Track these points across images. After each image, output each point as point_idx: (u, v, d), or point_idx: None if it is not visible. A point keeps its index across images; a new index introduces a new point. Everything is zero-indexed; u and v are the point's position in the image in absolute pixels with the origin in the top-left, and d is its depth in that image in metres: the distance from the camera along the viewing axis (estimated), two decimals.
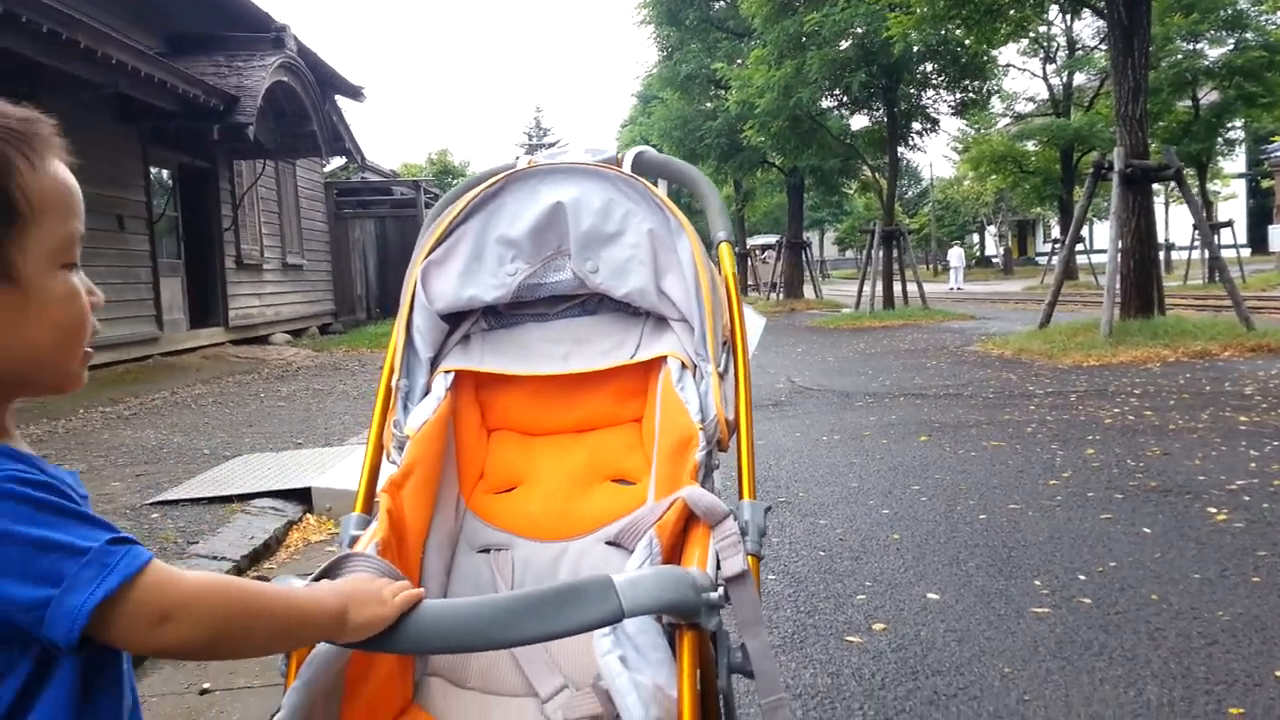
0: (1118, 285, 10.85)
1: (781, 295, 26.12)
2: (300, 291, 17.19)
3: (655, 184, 1.78)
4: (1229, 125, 27.10)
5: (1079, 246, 22.58)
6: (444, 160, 50.51)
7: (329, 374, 11.10)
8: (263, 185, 15.25)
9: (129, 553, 0.82)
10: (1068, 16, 27.74)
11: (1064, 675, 2.60)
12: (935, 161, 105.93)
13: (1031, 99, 35.57)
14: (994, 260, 51.68)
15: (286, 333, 15.75)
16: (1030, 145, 31.35)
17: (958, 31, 14.43)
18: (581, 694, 1.26)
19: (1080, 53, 29.77)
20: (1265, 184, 38.62)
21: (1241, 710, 2.37)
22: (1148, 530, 3.91)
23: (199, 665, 2.92)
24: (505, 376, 1.75)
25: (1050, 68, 31.63)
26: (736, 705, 1.37)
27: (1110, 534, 3.88)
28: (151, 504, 4.59)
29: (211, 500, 4.60)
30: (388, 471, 1.53)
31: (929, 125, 20.17)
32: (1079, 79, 31.41)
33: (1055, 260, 29.99)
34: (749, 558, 1.24)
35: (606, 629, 1.15)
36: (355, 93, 17.10)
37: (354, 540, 1.38)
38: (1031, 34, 24.25)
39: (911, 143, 20.65)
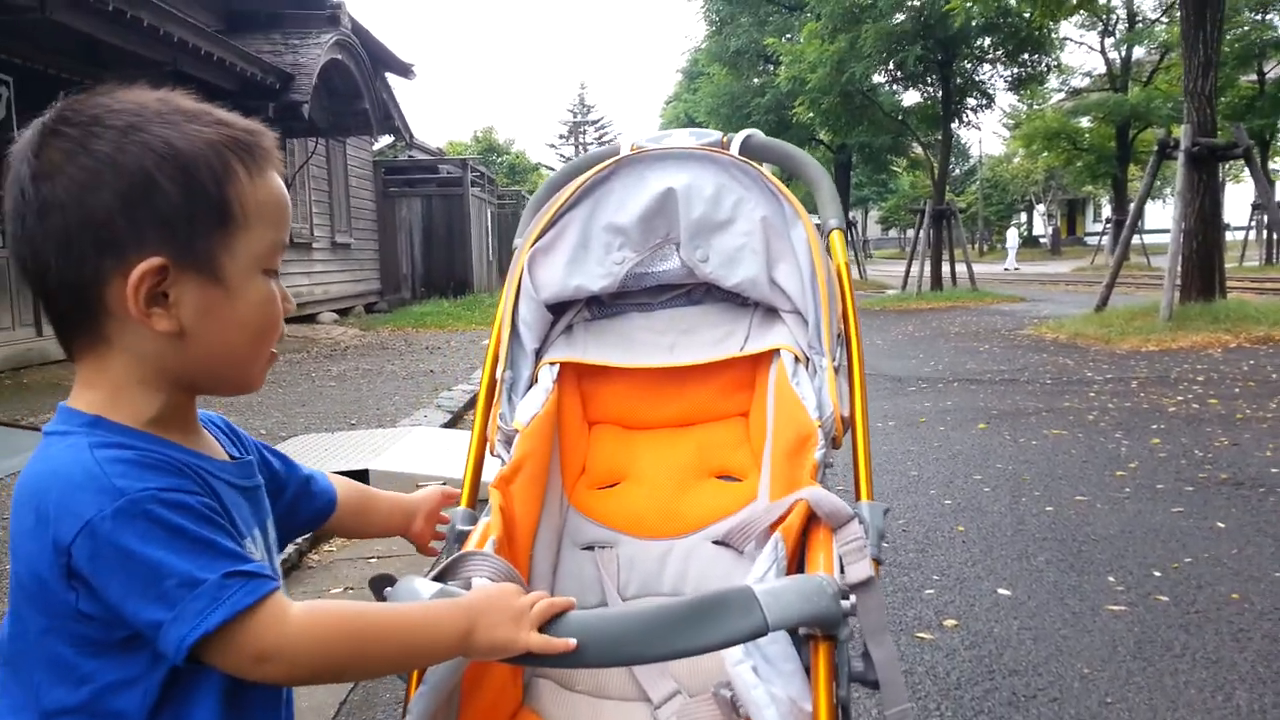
0: (1179, 267, 10.59)
1: None
2: (348, 270, 17.32)
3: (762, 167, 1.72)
4: None
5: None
6: (489, 138, 50.60)
7: (377, 353, 11.18)
8: (314, 164, 15.35)
9: (242, 588, 0.82)
10: None
11: (1146, 678, 2.53)
12: (984, 138, 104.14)
13: (1088, 73, 34.76)
14: (1041, 240, 50.79)
15: (334, 311, 15.90)
16: (1085, 121, 30.68)
17: (1020, 3, 14.09)
18: (698, 701, 1.23)
19: (1141, 25, 29.00)
20: None
21: None
22: (1221, 525, 3.81)
23: None
24: (608, 368, 1.71)
25: (1109, 41, 30.86)
26: (855, 715, 1.34)
27: (1183, 528, 3.78)
28: None
29: None
30: (492, 465, 1.50)
31: (984, 102, 19.79)
32: (1138, 53, 30.61)
33: (1106, 240, 29.53)
34: (872, 562, 1.19)
35: None
36: (405, 70, 17.11)
37: (463, 536, 1.34)
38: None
39: (966, 119, 20.28)
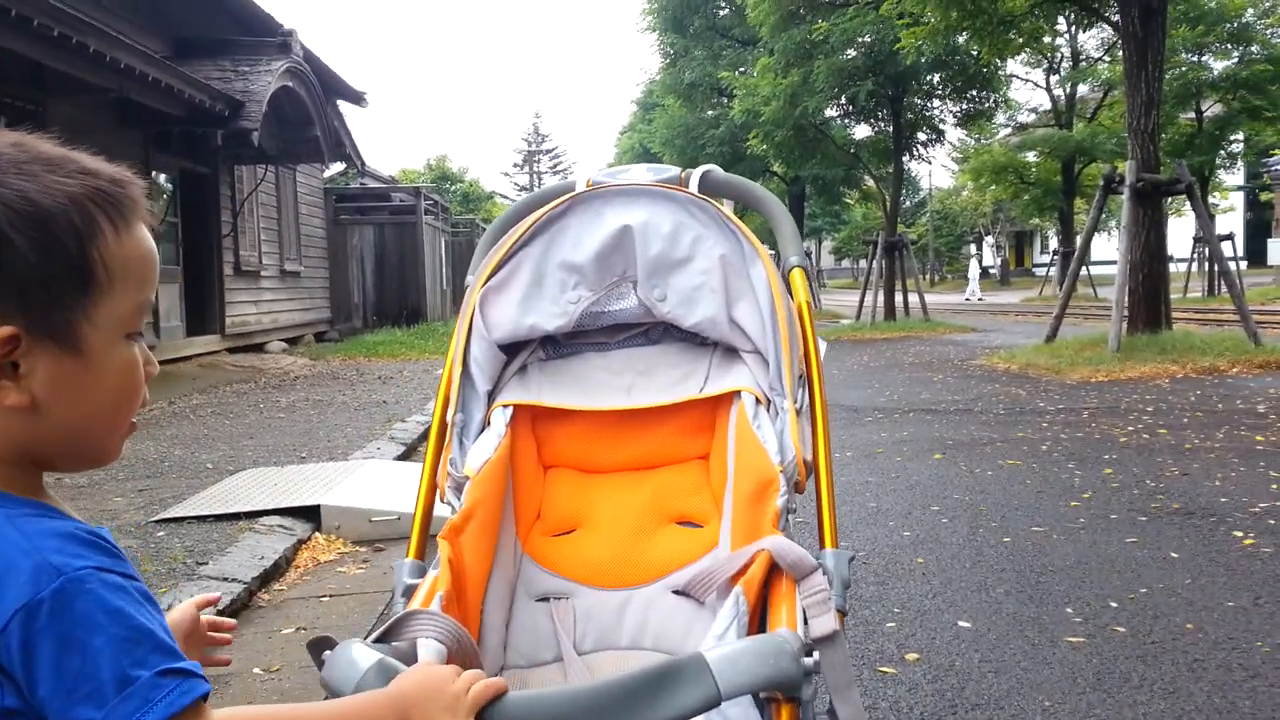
0: (1126, 300, 10.80)
1: None
2: (298, 299, 17.09)
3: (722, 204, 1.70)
4: (1231, 139, 27.13)
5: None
6: (443, 166, 50.42)
7: (327, 383, 11.01)
8: (262, 191, 15.17)
9: (176, 688, 0.76)
10: (1074, 28, 27.73)
11: (1106, 709, 2.52)
12: (934, 171, 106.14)
13: (1034, 110, 35.59)
14: (990, 271, 51.72)
15: (283, 340, 15.67)
16: (1031, 156, 31.36)
17: (968, 42, 14.40)
18: None
19: (1085, 64, 29.79)
20: (1264, 197, 38.68)
21: None
22: (1175, 555, 3.84)
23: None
24: (564, 410, 1.66)
25: (1054, 79, 31.67)
26: None
27: (1138, 559, 3.81)
28: (157, 521, 4.51)
29: (219, 518, 4.51)
30: (440, 511, 1.44)
31: (934, 136, 20.16)
32: (1082, 90, 31.44)
33: (1054, 271, 30.13)
34: (837, 614, 1.15)
35: None
36: (358, 98, 17.05)
37: (410, 589, 1.29)
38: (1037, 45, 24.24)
39: (916, 153, 20.64)
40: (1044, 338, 12.06)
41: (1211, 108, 25.99)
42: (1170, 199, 14.12)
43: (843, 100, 19.17)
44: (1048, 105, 32.98)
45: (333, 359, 14.22)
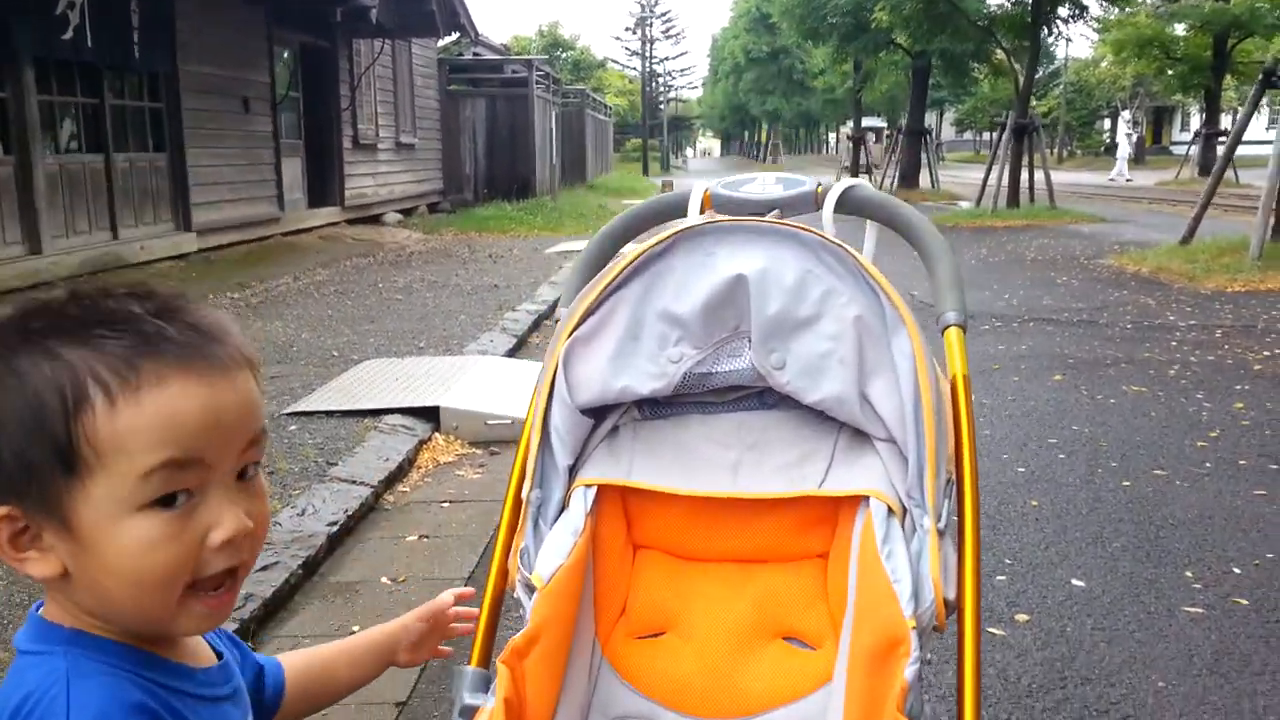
0: (1275, 204, 10.08)
1: (895, 184, 25.17)
2: (412, 171, 17.30)
3: (859, 240, 1.47)
4: None
5: (1218, 140, 20.99)
6: (554, 33, 49.46)
7: (441, 261, 11.23)
8: (379, 64, 15.20)
9: None
10: None
11: (1222, 697, 2.48)
12: (1071, 41, 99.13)
13: None
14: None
15: (397, 212, 15.95)
16: (1180, 29, 29.00)
17: None
18: None
19: None
20: None
21: None
22: None
23: None
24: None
25: None
26: None
27: (1265, 515, 3.67)
28: (288, 414, 4.74)
29: (345, 414, 4.72)
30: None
31: (1077, 11, 18.75)
32: None
33: (1194, 151, 28.12)
34: None
35: None
36: None
37: (468, 711, 1.18)
38: None
39: (1055, 29, 19.27)
40: (1179, 237, 11.42)
41: None
42: None
43: None
44: None
45: (445, 233, 14.45)
